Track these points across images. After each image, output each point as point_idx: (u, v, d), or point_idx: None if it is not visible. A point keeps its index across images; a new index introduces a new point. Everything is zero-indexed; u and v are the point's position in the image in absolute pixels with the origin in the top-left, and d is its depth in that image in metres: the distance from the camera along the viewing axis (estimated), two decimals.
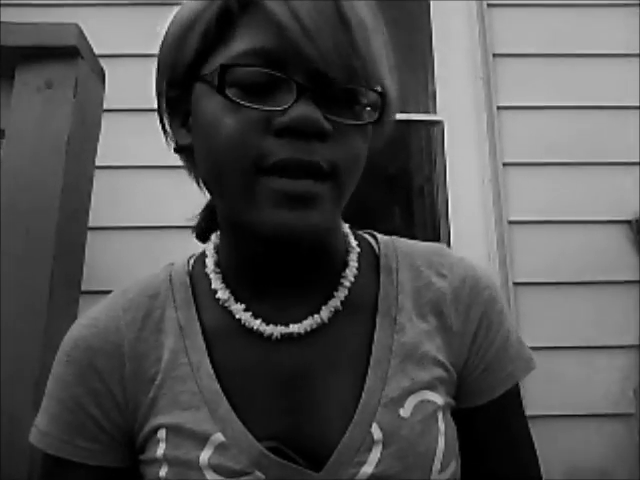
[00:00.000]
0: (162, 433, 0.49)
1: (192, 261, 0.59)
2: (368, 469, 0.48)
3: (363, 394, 0.50)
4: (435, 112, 1.89)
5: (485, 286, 0.57)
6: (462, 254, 0.61)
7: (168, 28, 0.51)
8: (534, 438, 0.58)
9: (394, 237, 0.61)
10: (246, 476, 0.47)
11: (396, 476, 0.48)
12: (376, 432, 0.49)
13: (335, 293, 0.54)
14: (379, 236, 0.61)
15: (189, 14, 0.48)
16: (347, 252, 0.57)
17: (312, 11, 0.42)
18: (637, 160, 1.75)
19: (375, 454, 0.48)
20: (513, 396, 0.57)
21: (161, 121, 0.54)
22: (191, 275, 0.57)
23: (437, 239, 1.83)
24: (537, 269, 1.69)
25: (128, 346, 0.52)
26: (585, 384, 1.61)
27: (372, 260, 0.58)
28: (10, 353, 0.97)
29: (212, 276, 0.55)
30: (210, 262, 0.56)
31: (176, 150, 0.54)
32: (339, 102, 0.45)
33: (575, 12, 1.88)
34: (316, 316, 0.52)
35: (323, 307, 0.53)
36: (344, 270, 0.55)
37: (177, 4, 0.52)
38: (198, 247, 0.62)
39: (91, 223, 1.25)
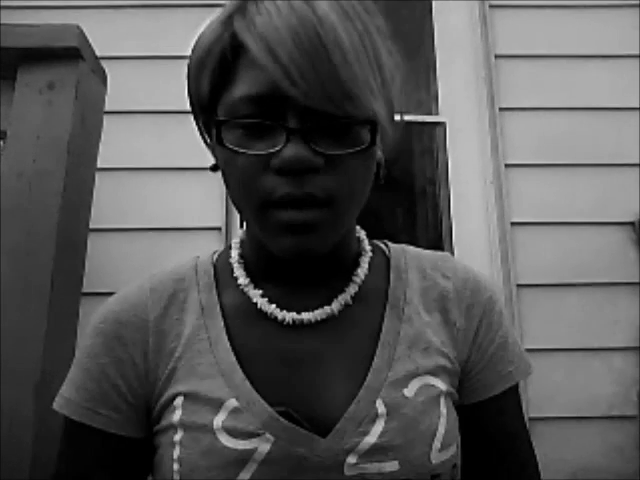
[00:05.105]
0: (179, 400, 0.53)
1: (216, 255, 0.64)
2: (371, 439, 0.51)
3: (369, 374, 0.54)
4: (437, 113, 1.89)
5: (485, 288, 0.63)
6: (464, 255, 0.64)
7: (190, 57, 0.54)
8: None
9: (403, 245, 0.66)
10: (257, 437, 0.50)
11: (397, 448, 0.51)
12: (380, 406, 0.52)
13: (346, 288, 0.58)
14: (390, 243, 0.67)
15: (202, 51, 0.52)
16: (359, 254, 0.62)
17: (292, 48, 0.45)
18: (639, 161, 1.75)
19: (378, 426, 0.51)
20: (512, 395, 0.61)
21: (202, 137, 0.59)
22: (215, 265, 0.62)
23: (439, 240, 1.83)
24: (539, 270, 1.69)
25: (153, 321, 0.57)
26: (588, 386, 1.61)
27: (383, 261, 0.64)
28: (10, 354, 0.97)
29: (235, 265, 0.60)
30: (235, 253, 0.61)
31: (212, 169, 0.59)
32: (335, 131, 0.48)
33: (577, 13, 1.88)
34: (327, 307, 0.57)
35: (334, 300, 0.57)
36: (355, 269, 0.60)
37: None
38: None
39: (93, 225, 1.25)
